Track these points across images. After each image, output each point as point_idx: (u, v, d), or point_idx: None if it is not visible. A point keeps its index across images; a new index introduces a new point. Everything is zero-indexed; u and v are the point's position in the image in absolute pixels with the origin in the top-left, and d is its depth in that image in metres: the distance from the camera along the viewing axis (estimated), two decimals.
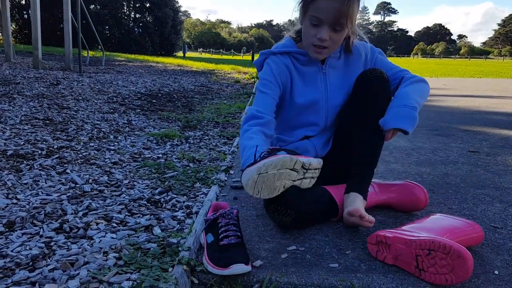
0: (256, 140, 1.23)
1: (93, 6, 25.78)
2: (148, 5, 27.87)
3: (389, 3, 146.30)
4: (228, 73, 10.65)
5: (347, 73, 1.45)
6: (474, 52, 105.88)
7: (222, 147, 2.45)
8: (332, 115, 1.46)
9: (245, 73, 11.08)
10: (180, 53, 30.64)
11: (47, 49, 14.23)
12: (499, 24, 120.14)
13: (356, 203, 1.29)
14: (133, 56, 18.01)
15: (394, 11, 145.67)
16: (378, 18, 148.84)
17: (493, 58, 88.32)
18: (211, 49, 60.05)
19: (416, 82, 1.42)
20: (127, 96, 4.54)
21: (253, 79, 8.51)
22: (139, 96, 4.65)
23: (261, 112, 1.33)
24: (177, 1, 30.16)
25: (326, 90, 1.43)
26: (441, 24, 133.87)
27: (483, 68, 21.79)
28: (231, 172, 1.95)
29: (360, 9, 1.35)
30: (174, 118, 3.36)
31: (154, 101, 4.40)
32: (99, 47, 10.21)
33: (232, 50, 55.78)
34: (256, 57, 1.62)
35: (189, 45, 68.50)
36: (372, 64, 1.47)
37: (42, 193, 1.53)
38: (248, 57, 38.04)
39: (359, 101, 1.38)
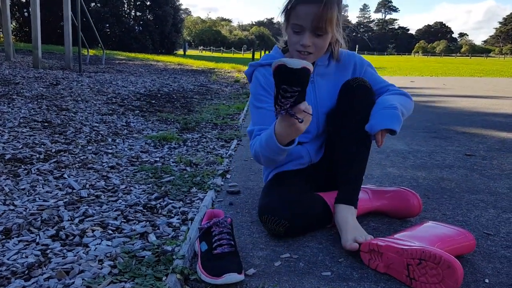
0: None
1: (94, 4, 25.75)
2: (148, 3, 27.84)
3: (390, 1, 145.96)
4: (228, 72, 10.66)
5: (337, 81, 1.45)
6: (475, 50, 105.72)
7: (219, 150, 2.46)
8: (323, 122, 1.47)
9: None
10: (181, 51, 30.63)
11: (47, 48, 14.23)
12: (500, 22, 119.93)
13: (348, 225, 1.27)
14: (133, 54, 18.02)
15: (395, 9, 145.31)
16: (379, 16, 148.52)
17: (494, 56, 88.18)
18: (211, 47, 60.02)
19: (399, 94, 1.43)
20: (126, 97, 4.55)
21: None
22: (138, 97, 4.66)
23: (263, 129, 1.35)
24: None
25: (315, 99, 1.45)
26: (442, 22, 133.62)
27: (484, 66, 21.76)
28: (228, 176, 1.96)
29: (342, 12, 1.37)
30: (172, 120, 3.37)
31: (153, 101, 4.41)
32: (99, 45, 10.22)
33: (232, 48, 55.73)
34: (257, 55, 1.65)
35: (189, 43, 68.44)
36: (361, 75, 1.47)
37: (39, 199, 1.54)
38: (248, 55, 38.01)
39: (344, 111, 1.38)
